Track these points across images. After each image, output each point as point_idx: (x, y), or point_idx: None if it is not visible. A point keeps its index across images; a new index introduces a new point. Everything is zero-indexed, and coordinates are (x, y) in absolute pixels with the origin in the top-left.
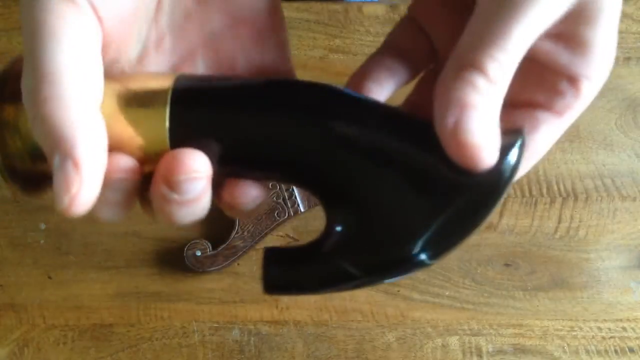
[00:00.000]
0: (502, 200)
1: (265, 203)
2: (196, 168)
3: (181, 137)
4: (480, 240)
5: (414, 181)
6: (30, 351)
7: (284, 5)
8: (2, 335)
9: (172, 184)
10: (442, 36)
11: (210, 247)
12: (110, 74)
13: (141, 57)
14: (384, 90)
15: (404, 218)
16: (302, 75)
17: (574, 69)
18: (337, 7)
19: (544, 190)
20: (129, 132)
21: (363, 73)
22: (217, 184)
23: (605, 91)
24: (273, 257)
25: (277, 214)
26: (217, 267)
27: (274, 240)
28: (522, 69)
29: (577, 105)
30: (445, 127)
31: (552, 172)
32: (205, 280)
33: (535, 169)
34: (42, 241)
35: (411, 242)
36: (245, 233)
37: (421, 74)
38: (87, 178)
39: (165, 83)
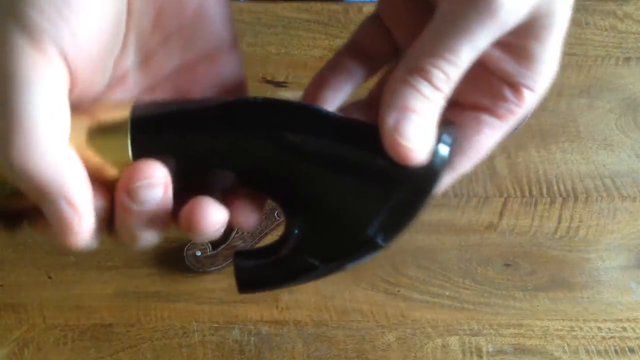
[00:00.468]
0: (436, 187)
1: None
2: (153, 174)
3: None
4: (480, 240)
5: (358, 181)
6: (30, 351)
7: (284, 5)
8: (2, 335)
9: (131, 192)
10: (405, 33)
11: (210, 247)
12: (71, 108)
13: (104, 93)
14: (340, 93)
15: (353, 214)
16: (302, 75)
17: (519, 79)
18: (337, 7)
19: (544, 190)
20: (94, 163)
21: (319, 81)
22: (179, 205)
23: (605, 91)
24: (242, 259)
25: (277, 214)
26: (217, 267)
27: (274, 240)
28: (471, 73)
29: (518, 112)
30: (385, 126)
31: (552, 172)
32: (205, 280)
33: (535, 169)
34: (42, 241)
35: (360, 233)
36: (245, 233)
37: (384, 70)
38: (84, 212)
39: (123, 113)
